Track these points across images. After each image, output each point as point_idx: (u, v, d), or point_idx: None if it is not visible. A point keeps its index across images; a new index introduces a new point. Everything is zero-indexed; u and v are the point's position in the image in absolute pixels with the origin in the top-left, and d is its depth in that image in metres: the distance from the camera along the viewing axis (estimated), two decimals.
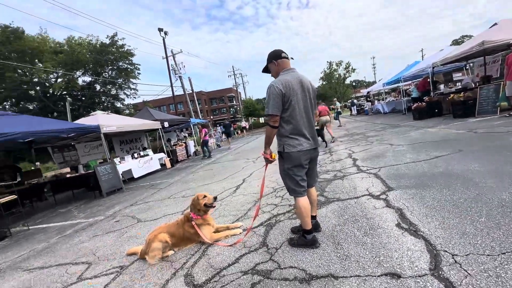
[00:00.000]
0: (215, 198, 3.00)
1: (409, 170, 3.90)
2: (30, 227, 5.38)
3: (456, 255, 1.76)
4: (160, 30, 21.26)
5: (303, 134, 2.29)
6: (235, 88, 52.99)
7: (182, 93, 24.81)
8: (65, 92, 26.17)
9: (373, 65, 62.39)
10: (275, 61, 2.37)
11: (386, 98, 20.56)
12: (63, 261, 3.24)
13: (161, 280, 2.33)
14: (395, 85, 19.58)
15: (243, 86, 51.21)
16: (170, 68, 22.54)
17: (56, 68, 23.89)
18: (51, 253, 3.62)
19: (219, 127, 25.10)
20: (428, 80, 11.29)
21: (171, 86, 22.05)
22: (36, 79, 25.08)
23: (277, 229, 2.85)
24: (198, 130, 15.57)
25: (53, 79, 26.47)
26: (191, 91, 26.83)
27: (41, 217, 6.24)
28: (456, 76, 16.35)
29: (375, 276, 1.74)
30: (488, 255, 1.69)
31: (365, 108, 22.29)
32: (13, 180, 7.03)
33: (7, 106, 24.73)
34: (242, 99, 52.76)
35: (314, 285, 1.81)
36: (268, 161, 2.41)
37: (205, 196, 3.00)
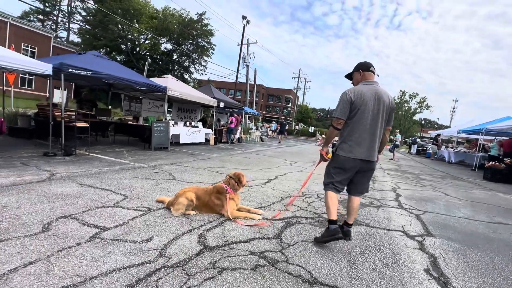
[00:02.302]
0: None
1: (459, 225, 3.45)
2: (90, 154, 6.27)
3: None
4: (244, 17, 22.25)
5: (358, 142, 2.37)
6: (295, 91, 52.74)
7: (245, 81, 25.72)
8: (148, 53, 29.40)
9: (453, 108, 55.38)
10: (362, 71, 2.52)
11: (456, 147, 18.19)
12: (107, 187, 3.73)
13: (178, 231, 2.52)
14: (472, 136, 17.17)
15: (304, 91, 50.60)
16: (241, 56, 23.50)
17: (147, 31, 26.94)
18: (99, 178, 4.19)
19: (273, 124, 25.39)
20: None
21: (237, 72, 23.01)
22: (129, 36, 28.70)
23: (295, 229, 2.83)
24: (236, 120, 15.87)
25: (142, 40, 29.94)
26: (253, 82, 27.65)
27: (100, 149, 7.22)
28: None
29: None
30: None
31: (428, 151, 20.08)
32: (89, 111, 8.25)
33: (101, 53, 28.95)
34: (299, 103, 52.23)
35: None
36: (323, 158, 2.60)
37: (240, 179, 3.13)
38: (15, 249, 1.92)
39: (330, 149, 2.61)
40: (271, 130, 26.69)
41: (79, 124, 6.15)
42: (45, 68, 5.32)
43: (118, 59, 30.38)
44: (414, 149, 22.80)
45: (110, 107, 12.17)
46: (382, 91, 2.39)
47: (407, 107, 42.19)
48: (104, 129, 9.61)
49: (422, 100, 41.03)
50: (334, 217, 2.42)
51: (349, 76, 2.68)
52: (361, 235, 2.80)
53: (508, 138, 10.82)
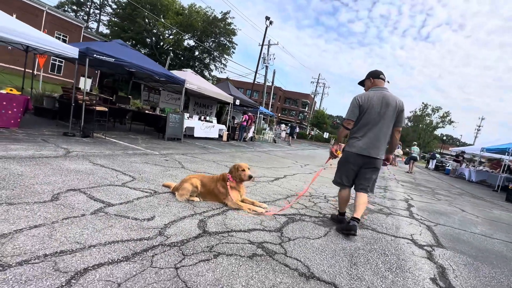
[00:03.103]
0: (250, 177, 3.05)
1: (473, 240, 3.24)
2: (106, 138, 6.48)
3: None
4: (267, 18, 22.31)
5: (361, 140, 2.69)
6: (312, 96, 52.21)
7: (263, 82, 25.76)
8: (171, 48, 30.15)
9: (479, 126, 52.63)
10: (372, 79, 2.85)
11: (478, 166, 17.26)
12: (117, 168, 3.82)
13: (179, 214, 2.53)
14: (497, 156, 16.22)
15: (321, 97, 49.98)
16: (261, 56, 23.57)
17: (173, 26, 27.64)
18: (112, 160, 4.31)
19: (283, 125, 25.29)
20: None
21: (256, 72, 23.09)
22: (155, 31, 29.55)
23: (298, 225, 2.77)
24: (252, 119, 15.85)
25: (167, 35, 30.73)
26: (271, 84, 27.63)
27: (116, 135, 7.45)
28: None
29: None
30: None
31: (447, 167, 19.19)
32: (109, 97, 8.54)
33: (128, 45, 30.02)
34: (315, 108, 51.63)
35: (312, 283, 1.71)
36: (332, 155, 2.92)
37: (243, 170, 3.07)
38: (24, 213, 2.00)
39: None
40: (286, 132, 26.55)
41: (98, 108, 6.37)
42: (72, 51, 5.56)
43: (143, 51, 31.34)
44: (432, 164, 21.88)
45: (130, 96, 12.59)
46: (390, 95, 2.67)
47: (428, 121, 40.65)
48: (122, 116, 9.92)
49: (445, 115, 39.50)
50: (343, 209, 2.95)
51: (362, 83, 2.99)
52: (366, 238, 2.70)
53: None
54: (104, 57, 6.01)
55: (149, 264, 1.62)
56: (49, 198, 2.36)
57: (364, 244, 2.52)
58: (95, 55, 5.85)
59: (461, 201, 6.65)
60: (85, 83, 6.49)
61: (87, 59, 5.88)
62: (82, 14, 37.07)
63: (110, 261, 1.59)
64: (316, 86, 48.58)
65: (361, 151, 2.66)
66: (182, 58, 32.39)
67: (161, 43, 30.63)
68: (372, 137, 2.64)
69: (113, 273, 1.47)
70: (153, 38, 30.05)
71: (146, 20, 28.48)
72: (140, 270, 1.54)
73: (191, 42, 32.25)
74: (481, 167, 16.44)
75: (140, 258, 1.66)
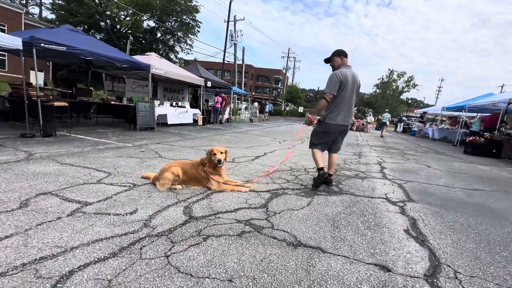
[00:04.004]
0: (219, 161, 2.93)
1: (438, 191, 3.60)
2: (72, 135, 6.04)
3: (459, 272, 1.62)
4: None
5: (340, 113, 3.16)
6: (284, 71, 51.95)
7: (233, 61, 25.00)
8: (129, 31, 27.85)
9: (439, 87, 56.25)
10: (343, 57, 3.21)
11: (440, 124, 18.71)
12: (90, 166, 3.62)
13: (163, 204, 2.50)
14: (456, 113, 17.63)
15: (293, 71, 49.91)
16: (228, 33, 22.65)
17: (127, 6, 25.31)
18: (82, 157, 4.06)
19: (256, 103, 25.11)
20: (499, 116, 9.94)
21: (224, 51, 22.28)
22: (108, 12, 26.90)
23: (282, 199, 2.86)
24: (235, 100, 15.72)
25: (123, 16, 28.18)
26: (241, 62, 26.92)
27: (82, 130, 6.96)
28: None
29: (364, 263, 1.69)
30: (497, 284, 1.53)
31: (413, 128, 20.58)
32: (67, 90, 7.83)
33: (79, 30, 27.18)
34: (288, 84, 51.67)
35: (299, 251, 1.81)
36: (309, 121, 3.43)
37: (215, 154, 2.97)
38: None
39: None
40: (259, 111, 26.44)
41: (57, 104, 5.85)
42: (14, 42, 4.91)
43: (98, 37, 28.61)
44: (400, 128, 23.30)
45: (92, 88, 11.64)
46: (355, 74, 3.18)
47: (395, 86, 42.67)
48: (85, 110, 9.22)
49: (409, 79, 41.59)
50: (321, 165, 3.28)
51: (328, 61, 3.32)
52: (346, 202, 2.87)
53: (489, 114, 11.15)
54: (54, 46, 5.42)
55: (138, 256, 1.60)
56: (17, 205, 2.19)
57: (344, 208, 2.69)
58: (42, 45, 5.24)
59: (426, 158, 7.24)
60: (36, 78, 5.86)
61: (34, 50, 5.26)
62: None
63: (97, 259, 1.55)
64: (287, 61, 48.25)
65: (342, 122, 3.19)
66: (143, 41, 30.15)
67: (118, 26, 28.08)
68: (347, 110, 3.18)
69: (101, 271, 1.44)
70: (108, 21, 27.39)
71: (96, 1, 25.72)
72: (129, 263, 1.53)
73: (151, 23, 29.99)
74: (442, 125, 17.85)
75: (128, 252, 1.64)
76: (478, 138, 9.38)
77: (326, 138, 3.30)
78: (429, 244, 1.99)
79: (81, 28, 27.44)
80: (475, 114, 14.74)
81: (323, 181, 3.28)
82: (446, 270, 1.64)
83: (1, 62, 23.22)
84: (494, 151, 8.79)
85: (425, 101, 68.53)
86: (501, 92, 39.67)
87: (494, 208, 3.05)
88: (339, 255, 1.77)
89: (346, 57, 3.21)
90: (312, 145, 3.42)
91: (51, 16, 31.23)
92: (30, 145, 4.52)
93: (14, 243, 1.64)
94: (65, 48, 5.55)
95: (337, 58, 3.22)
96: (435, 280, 1.53)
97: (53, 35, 5.79)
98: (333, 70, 3.22)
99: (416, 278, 1.54)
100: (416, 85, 41.53)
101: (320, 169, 3.31)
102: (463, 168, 5.92)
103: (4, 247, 1.60)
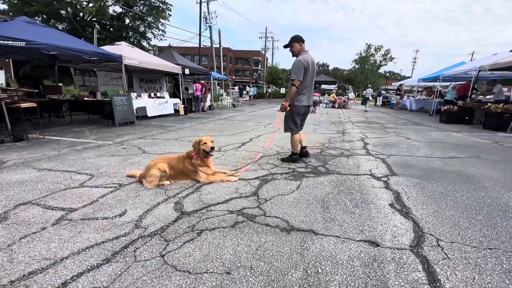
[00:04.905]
0: (212, 148, 2.98)
1: (418, 163, 3.78)
2: (45, 137, 5.70)
3: (440, 240, 1.74)
4: None
5: (306, 95, 3.54)
6: (263, 52, 50.91)
7: (209, 45, 24.09)
8: (94, 19, 25.87)
9: (414, 59, 57.51)
10: (302, 43, 3.48)
11: (417, 95, 19.37)
12: (69, 169, 3.46)
13: (153, 202, 2.46)
14: (431, 84, 18.27)
15: (272, 52, 49.01)
16: (202, 15, 21.61)
17: None
18: (60, 160, 3.86)
19: (236, 88, 24.68)
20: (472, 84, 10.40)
21: (199, 34, 21.34)
22: None
23: (271, 185, 2.90)
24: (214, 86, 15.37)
25: (85, 2, 26.01)
26: (218, 46, 26.01)
27: (56, 131, 6.59)
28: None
29: (354, 240, 1.77)
30: (474, 247, 1.66)
31: (392, 101, 21.20)
32: (33, 89, 7.27)
33: (37, 21, 24.85)
34: (268, 65, 50.87)
35: (293, 235, 1.86)
36: (284, 108, 3.56)
37: (205, 143, 2.99)
38: None
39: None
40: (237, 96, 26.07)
41: (24, 105, 5.45)
42: None
43: (60, 27, 26.35)
44: (379, 101, 23.92)
45: (61, 84, 10.89)
46: (314, 58, 3.47)
47: (372, 61, 43.23)
48: (57, 108, 8.68)
49: (386, 53, 42.17)
50: (296, 150, 3.77)
51: (287, 46, 3.56)
52: (333, 182, 2.96)
53: (464, 82, 11.63)
54: (11, 42, 4.95)
55: (133, 259, 1.59)
56: None
57: (332, 188, 2.78)
58: None
59: (405, 130, 7.54)
60: None
61: None
62: None
63: (90, 267, 1.52)
64: (265, 41, 47.14)
65: (307, 103, 3.58)
66: (111, 29, 28.14)
67: (81, 14, 25.91)
68: (310, 91, 3.58)
69: (96, 279, 1.42)
70: (69, 9, 25.18)
71: None
72: (124, 268, 1.51)
73: (118, 9, 27.89)
74: (418, 96, 18.50)
75: (122, 256, 1.62)
76: (452, 106, 9.83)
77: (299, 119, 3.65)
78: (412, 216, 2.11)
79: (40, 19, 25.11)
80: (448, 83, 15.37)
81: (303, 156, 3.85)
82: (429, 239, 1.76)
83: None
84: (466, 117, 9.29)
85: (402, 73, 70.25)
86: (471, 60, 41.35)
87: (468, 174, 3.26)
88: (331, 236, 1.84)
89: (304, 43, 3.48)
90: (291, 130, 3.70)
91: (3, 6, 28.23)
92: (0, 152, 4.23)
93: None
94: (24, 43, 5.09)
95: (296, 44, 3.47)
96: (419, 250, 1.64)
97: (7, 29, 5.27)
98: (292, 55, 3.54)
99: (402, 250, 1.64)
100: (393, 58, 42.30)
101: (294, 154, 3.75)
102: (440, 137, 6.23)
103: None
